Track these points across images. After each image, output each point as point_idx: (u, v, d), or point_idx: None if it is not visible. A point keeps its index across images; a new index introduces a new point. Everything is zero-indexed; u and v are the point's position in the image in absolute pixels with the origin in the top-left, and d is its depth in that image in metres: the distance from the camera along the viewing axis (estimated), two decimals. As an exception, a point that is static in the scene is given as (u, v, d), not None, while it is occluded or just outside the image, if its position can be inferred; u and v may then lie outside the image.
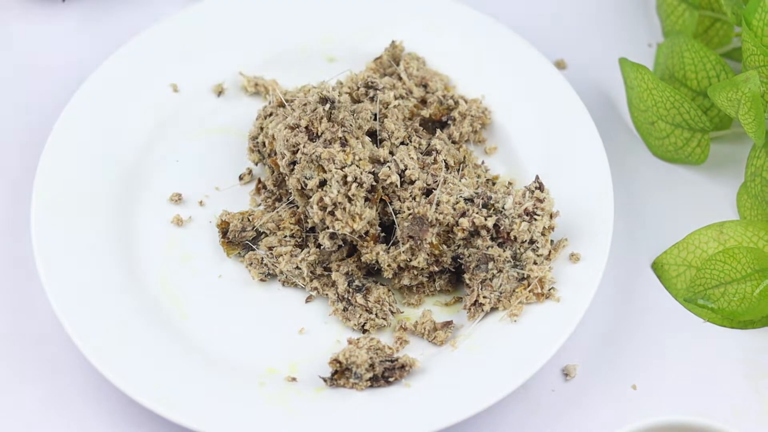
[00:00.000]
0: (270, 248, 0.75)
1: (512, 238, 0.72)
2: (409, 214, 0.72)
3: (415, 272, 0.74)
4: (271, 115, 0.78)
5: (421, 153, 0.76)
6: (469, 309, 0.73)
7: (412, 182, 0.73)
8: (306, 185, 0.72)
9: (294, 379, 0.71)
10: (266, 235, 0.76)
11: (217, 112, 0.82)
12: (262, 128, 0.78)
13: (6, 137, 0.82)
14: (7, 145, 0.82)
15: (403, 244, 0.72)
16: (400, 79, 0.81)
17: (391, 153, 0.76)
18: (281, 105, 0.78)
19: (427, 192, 0.74)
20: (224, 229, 0.76)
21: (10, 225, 0.78)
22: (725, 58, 0.86)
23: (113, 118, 0.79)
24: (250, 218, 0.76)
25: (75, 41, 0.87)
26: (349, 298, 0.73)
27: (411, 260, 0.73)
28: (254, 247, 0.76)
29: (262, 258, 0.75)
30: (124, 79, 0.80)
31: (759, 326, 0.77)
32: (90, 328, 0.70)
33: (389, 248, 0.73)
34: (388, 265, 0.73)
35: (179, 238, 0.77)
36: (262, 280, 0.75)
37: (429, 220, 0.72)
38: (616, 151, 0.84)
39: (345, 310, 0.74)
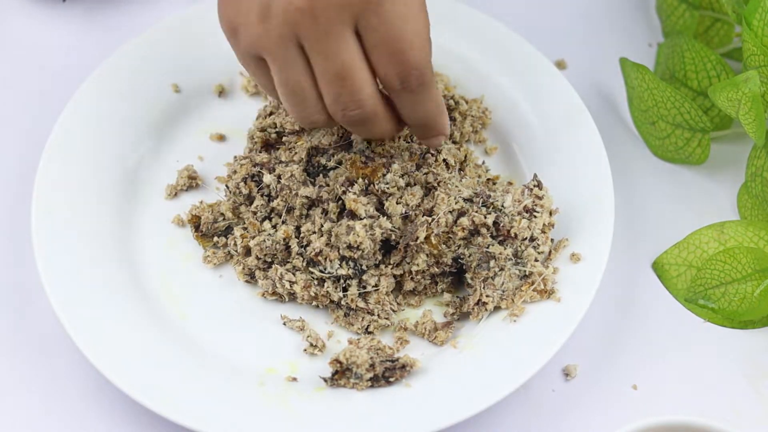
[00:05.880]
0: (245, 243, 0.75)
1: (513, 235, 0.72)
2: (405, 217, 0.73)
3: (419, 277, 0.74)
4: (271, 114, 0.78)
5: (420, 154, 0.76)
6: (473, 309, 0.73)
7: (411, 185, 0.74)
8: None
9: (294, 379, 0.71)
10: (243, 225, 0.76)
11: (217, 112, 0.82)
12: (262, 128, 0.78)
13: (6, 137, 0.82)
14: (7, 145, 0.82)
15: (401, 249, 0.73)
16: (401, 79, 0.81)
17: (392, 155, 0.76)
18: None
19: (427, 192, 0.74)
20: (196, 223, 0.76)
21: (10, 225, 0.78)
22: (726, 58, 0.86)
23: (113, 118, 0.79)
24: (220, 209, 0.76)
25: (75, 41, 0.87)
26: (348, 303, 0.73)
27: (410, 264, 0.73)
28: (227, 237, 0.76)
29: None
30: (124, 79, 0.80)
31: (759, 326, 0.77)
32: (90, 328, 0.70)
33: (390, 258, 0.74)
34: (405, 276, 0.74)
35: (179, 238, 0.77)
36: (247, 281, 0.75)
37: (419, 222, 0.72)
38: (617, 151, 0.84)
39: (346, 315, 0.74)
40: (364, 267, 0.73)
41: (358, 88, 0.64)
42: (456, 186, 0.74)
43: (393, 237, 0.73)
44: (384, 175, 0.73)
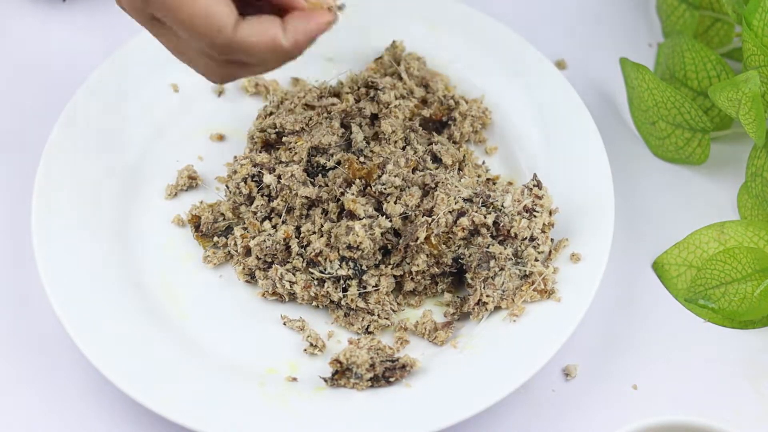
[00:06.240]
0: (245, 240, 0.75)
1: (512, 235, 0.72)
2: (404, 216, 0.73)
3: (419, 277, 0.74)
4: (271, 114, 0.78)
5: (419, 157, 0.76)
6: (473, 309, 0.73)
7: (407, 188, 0.74)
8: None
9: (294, 379, 0.71)
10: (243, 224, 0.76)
11: (217, 112, 0.82)
12: (262, 129, 0.78)
13: (6, 137, 0.82)
14: (7, 145, 0.82)
15: (400, 250, 0.73)
16: (401, 79, 0.81)
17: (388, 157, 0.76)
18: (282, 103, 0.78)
19: (426, 193, 0.74)
20: (196, 223, 0.76)
21: (10, 225, 0.78)
22: (726, 58, 0.86)
23: (113, 118, 0.79)
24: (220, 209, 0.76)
25: (75, 41, 0.87)
26: (348, 303, 0.73)
27: (410, 264, 0.73)
28: (227, 237, 0.76)
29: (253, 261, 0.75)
30: (124, 79, 0.80)
31: (759, 326, 0.77)
32: (90, 328, 0.70)
33: (390, 259, 0.74)
34: (406, 277, 0.74)
35: (179, 238, 0.77)
36: (247, 281, 0.75)
37: (418, 222, 0.72)
38: (617, 151, 0.84)
39: (346, 315, 0.74)
40: (364, 267, 0.73)
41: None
42: (455, 186, 0.74)
43: (390, 246, 0.73)
44: (379, 176, 0.73)
